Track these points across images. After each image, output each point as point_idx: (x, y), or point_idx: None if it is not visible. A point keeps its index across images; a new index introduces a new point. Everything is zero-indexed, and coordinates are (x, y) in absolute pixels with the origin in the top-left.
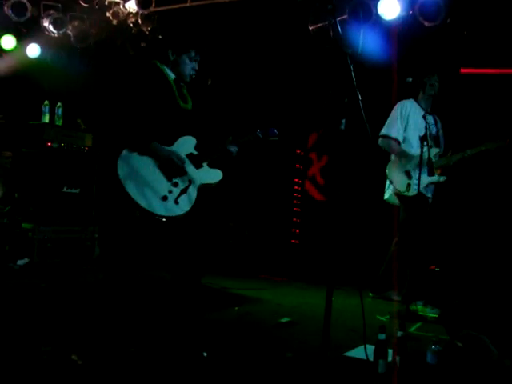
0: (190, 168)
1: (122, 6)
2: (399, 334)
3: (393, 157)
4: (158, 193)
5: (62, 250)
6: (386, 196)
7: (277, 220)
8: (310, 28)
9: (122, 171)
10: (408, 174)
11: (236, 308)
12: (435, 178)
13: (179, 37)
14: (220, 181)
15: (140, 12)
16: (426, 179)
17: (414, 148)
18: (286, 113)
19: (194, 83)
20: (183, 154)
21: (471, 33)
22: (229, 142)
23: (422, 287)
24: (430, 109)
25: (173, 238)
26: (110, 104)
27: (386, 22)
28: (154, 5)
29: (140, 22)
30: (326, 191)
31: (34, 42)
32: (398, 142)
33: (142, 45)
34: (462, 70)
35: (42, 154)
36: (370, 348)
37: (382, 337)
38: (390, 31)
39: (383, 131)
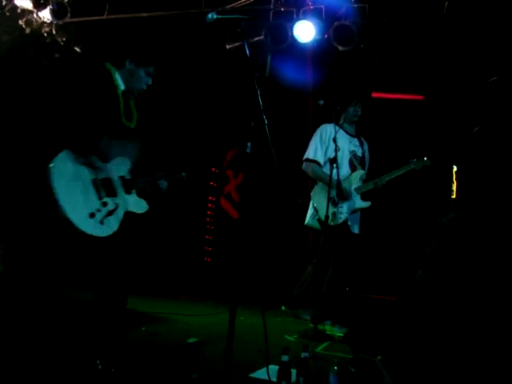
0: (121, 191)
1: (35, 15)
2: (303, 354)
3: (318, 182)
4: (87, 208)
5: None
6: (308, 221)
7: (190, 238)
8: (228, 47)
9: (55, 173)
10: (334, 202)
11: (143, 328)
12: (364, 204)
13: (139, 48)
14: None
15: (54, 22)
16: (352, 206)
17: (341, 171)
18: (201, 131)
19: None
20: (116, 176)
21: (383, 58)
22: (159, 177)
23: (331, 307)
24: (355, 132)
25: (93, 255)
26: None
27: (301, 44)
28: (69, 15)
29: (54, 32)
30: (239, 209)
31: None
32: (320, 165)
33: (56, 55)
34: (374, 95)
35: None
36: (275, 369)
37: (285, 358)
38: (304, 54)
39: (305, 155)
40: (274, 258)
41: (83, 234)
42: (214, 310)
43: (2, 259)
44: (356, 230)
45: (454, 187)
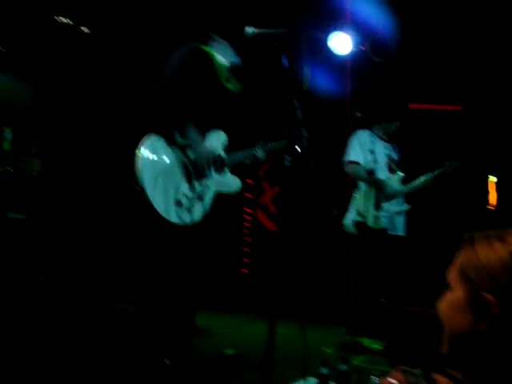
0: (211, 171)
1: None
2: (342, 367)
3: (360, 185)
4: (174, 195)
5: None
6: (346, 221)
7: (227, 250)
8: (266, 61)
9: (143, 158)
10: (377, 205)
11: None
12: (405, 207)
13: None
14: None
15: None
16: (393, 209)
17: (380, 175)
18: (239, 143)
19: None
20: (209, 154)
21: (419, 69)
22: (258, 147)
23: (368, 319)
24: (388, 138)
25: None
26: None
27: (338, 56)
28: None
29: None
30: (277, 221)
31: None
32: (360, 166)
33: None
34: (411, 106)
35: None
36: (314, 381)
37: (324, 371)
38: (342, 66)
39: (346, 158)
40: (312, 270)
41: (168, 222)
42: (252, 322)
43: (43, 270)
44: (401, 232)
45: (491, 197)
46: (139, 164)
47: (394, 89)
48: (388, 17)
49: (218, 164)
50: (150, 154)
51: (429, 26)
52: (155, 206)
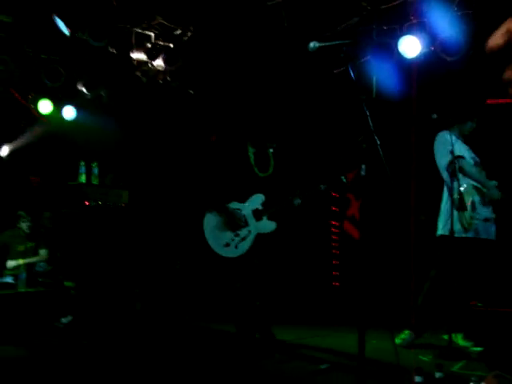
0: (252, 221)
1: (150, 65)
2: (437, 374)
3: (446, 194)
4: (223, 241)
5: (104, 306)
6: (444, 231)
7: (316, 264)
8: (335, 71)
9: (205, 223)
10: (473, 208)
11: (276, 355)
12: (494, 215)
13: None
14: (275, 231)
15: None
16: (486, 214)
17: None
18: (317, 157)
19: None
20: (249, 210)
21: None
22: (294, 196)
23: (466, 323)
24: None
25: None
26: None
27: (407, 59)
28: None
29: (169, 78)
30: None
31: (69, 104)
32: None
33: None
34: (488, 101)
35: (80, 213)
36: None
37: (418, 379)
38: (410, 68)
39: (449, 158)
40: (401, 278)
41: (221, 257)
42: (345, 334)
43: (138, 298)
44: (492, 235)
45: None
46: (203, 225)
47: (467, 87)
48: (455, 12)
49: (257, 215)
50: (209, 221)
51: (499, 17)
52: (212, 247)
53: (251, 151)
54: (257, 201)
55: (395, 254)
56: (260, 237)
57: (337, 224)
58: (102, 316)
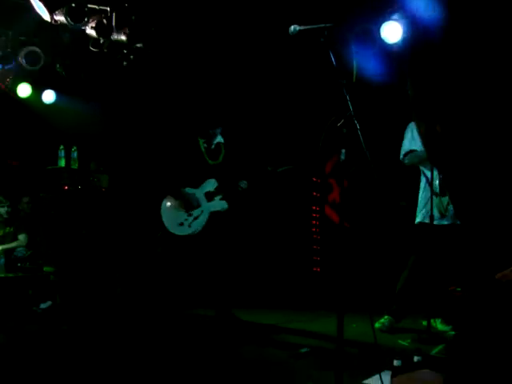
0: (204, 202)
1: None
2: (416, 358)
3: (424, 181)
4: (177, 220)
5: (84, 290)
6: (423, 219)
7: (297, 249)
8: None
9: (162, 207)
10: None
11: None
12: None
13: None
14: (229, 210)
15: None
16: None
17: None
18: (299, 143)
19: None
20: (202, 193)
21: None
22: (241, 179)
23: (440, 305)
24: None
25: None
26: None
27: (389, 45)
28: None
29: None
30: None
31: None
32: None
33: None
34: None
35: (59, 197)
36: (388, 374)
37: (397, 363)
38: (392, 53)
39: (401, 153)
40: (381, 263)
41: (176, 236)
42: (325, 319)
43: (118, 281)
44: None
45: None
46: (161, 211)
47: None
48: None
49: (209, 196)
50: (165, 205)
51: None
52: (167, 227)
53: (201, 142)
54: (209, 185)
55: (375, 239)
56: (215, 216)
57: (318, 209)
58: (82, 301)
